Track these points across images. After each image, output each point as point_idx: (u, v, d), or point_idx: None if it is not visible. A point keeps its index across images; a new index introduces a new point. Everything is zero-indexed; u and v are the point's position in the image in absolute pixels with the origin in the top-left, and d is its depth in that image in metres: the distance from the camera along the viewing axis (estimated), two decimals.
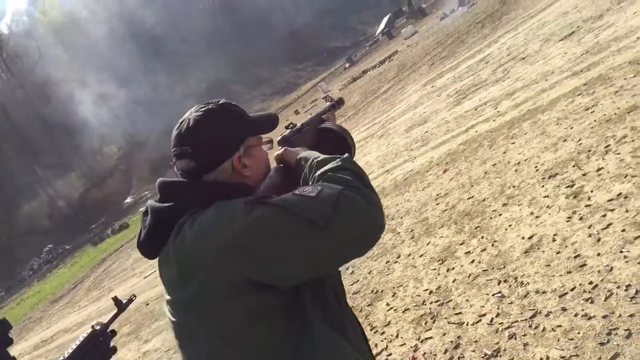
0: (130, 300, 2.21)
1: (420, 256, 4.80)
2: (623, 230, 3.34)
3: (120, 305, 2.16)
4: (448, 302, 3.87)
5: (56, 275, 35.19)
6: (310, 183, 1.43)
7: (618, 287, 2.94)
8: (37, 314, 21.31)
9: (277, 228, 1.23)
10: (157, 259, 1.43)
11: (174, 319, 1.38)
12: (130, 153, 62.47)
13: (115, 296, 2.16)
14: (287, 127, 1.82)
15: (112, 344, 2.02)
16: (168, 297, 1.38)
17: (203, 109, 1.46)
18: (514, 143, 5.86)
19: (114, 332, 2.05)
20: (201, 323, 1.30)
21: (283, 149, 1.67)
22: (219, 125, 1.44)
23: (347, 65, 42.99)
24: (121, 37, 62.81)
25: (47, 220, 56.21)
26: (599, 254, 3.28)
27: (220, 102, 1.49)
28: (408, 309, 4.13)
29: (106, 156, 65.22)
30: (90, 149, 63.65)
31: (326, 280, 1.40)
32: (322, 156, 1.48)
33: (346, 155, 1.46)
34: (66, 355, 1.84)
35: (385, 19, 48.70)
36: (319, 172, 1.41)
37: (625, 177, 3.89)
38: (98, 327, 2.01)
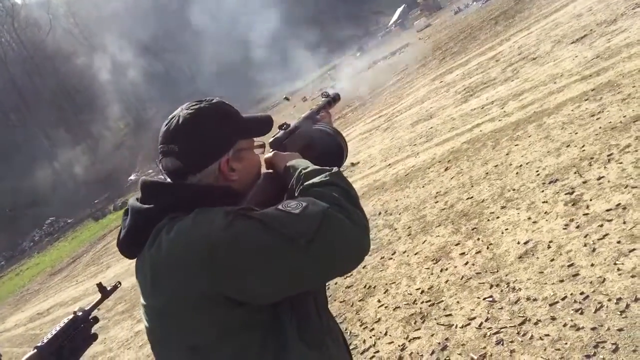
0: (114, 287, 2.20)
1: (416, 254, 4.79)
2: (619, 242, 3.31)
3: (105, 292, 2.15)
4: (439, 302, 3.86)
5: (56, 248, 35.38)
6: (296, 194, 1.38)
7: (609, 300, 2.92)
8: (35, 286, 21.46)
9: (256, 244, 1.19)
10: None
11: (146, 324, 1.35)
12: (137, 130, 62.44)
13: (100, 282, 2.15)
14: (280, 127, 1.74)
15: (93, 331, 2.01)
16: (142, 302, 1.35)
17: (195, 107, 1.40)
18: (517, 145, 5.81)
19: (96, 319, 2.04)
20: (171, 332, 1.28)
21: (273, 152, 1.61)
22: (210, 125, 1.38)
23: (358, 54, 42.76)
24: (132, 13, 62.58)
25: (51, 192, 56.38)
26: (592, 265, 3.26)
27: (213, 101, 1.44)
28: (399, 307, 4.12)
29: (113, 132, 65.21)
30: (97, 124, 63.71)
31: (307, 293, 1.36)
32: (311, 167, 1.43)
33: (335, 169, 1.41)
34: (45, 341, 1.82)
35: (399, 10, 48.31)
36: (305, 184, 1.37)
37: (625, 187, 3.85)
38: (80, 313, 1.99)
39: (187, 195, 1.34)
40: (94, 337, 2.02)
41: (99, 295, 2.16)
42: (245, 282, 1.19)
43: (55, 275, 21.58)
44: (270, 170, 1.57)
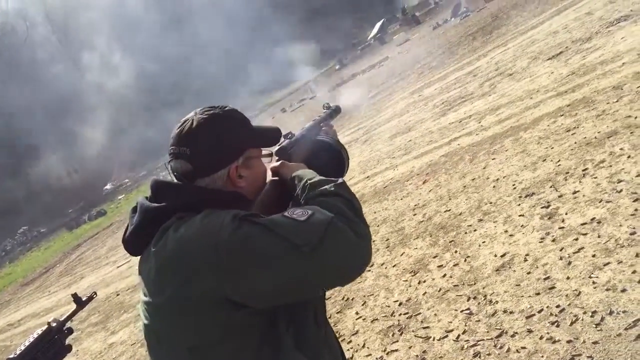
0: (90, 298, 2.17)
1: (394, 266, 4.79)
2: (594, 256, 3.36)
3: (80, 303, 2.12)
4: (417, 315, 3.86)
5: (29, 258, 34.70)
6: (302, 204, 1.41)
7: (584, 313, 2.95)
8: (5, 297, 20.99)
9: (261, 249, 1.21)
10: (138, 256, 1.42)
11: (145, 322, 1.36)
12: (113, 140, 61.87)
13: (75, 293, 2.11)
14: (285, 137, 1.77)
15: (67, 342, 1.97)
16: (143, 299, 1.36)
17: (209, 112, 1.43)
18: (494, 159, 5.87)
19: (70, 330, 2.00)
20: (170, 331, 1.29)
21: (280, 162, 1.64)
22: (222, 131, 1.41)
23: (337, 67, 42.98)
24: (111, 21, 62.25)
25: (24, 202, 55.45)
26: (568, 278, 3.30)
27: (226, 108, 1.47)
28: (377, 319, 4.11)
29: (88, 141, 64.48)
30: (72, 132, 62.95)
31: (307, 302, 1.38)
32: (316, 178, 1.46)
33: (340, 180, 1.43)
34: (17, 353, 1.78)
35: (378, 24, 48.73)
36: (311, 194, 1.39)
37: (600, 202, 3.91)
38: (54, 324, 1.96)
39: (196, 196, 1.37)
40: (68, 348, 1.98)
41: (73, 306, 2.13)
42: (248, 285, 1.21)
43: (27, 285, 21.14)
44: (276, 179, 1.60)
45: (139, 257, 1.42)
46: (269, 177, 1.61)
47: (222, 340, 1.24)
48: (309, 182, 1.44)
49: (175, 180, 1.43)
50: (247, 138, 1.47)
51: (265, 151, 1.56)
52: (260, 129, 1.53)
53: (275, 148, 1.73)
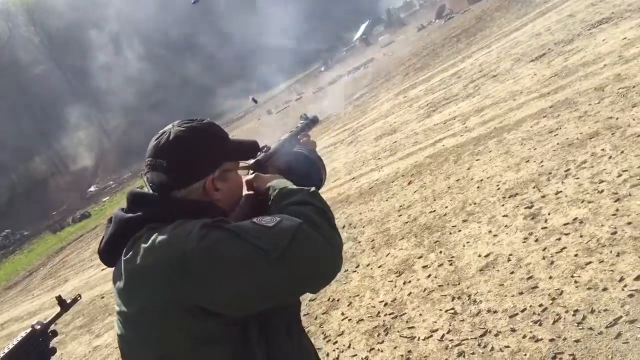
0: (74, 300, 2.15)
1: (379, 267, 4.82)
2: (576, 255, 3.40)
3: (64, 305, 2.10)
4: (402, 315, 3.88)
5: (12, 261, 34.30)
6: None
7: (566, 312, 2.99)
8: None
9: (229, 254, 1.22)
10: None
11: (118, 332, 1.36)
12: (97, 142, 61.41)
13: (59, 295, 2.10)
14: (261, 150, 1.77)
15: (51, 345, 1.96)
16: (117, 309, 1.36)
17: (186, 125, 1.44)
18: (478, 160, 5.92)
19: (54, 333, 1.99)
20: (142, 340, 1.29)
21: (254, 174, 1.64)
22: (199, 144, 1.42)
23: (322, 68, 43.03)
24: (94, 21, 61.67)
25: (7, 204, 54.83)
26: (551, 277, 3.34)
27: (204, 122, 1.48)
28: (362, 319, 4.13)
29: (72, 143, 63.88)
30: (56, 134, 62.35)
31: (278, 312, 1.38)
32: (290, 187, 1.47)
33: (312, 189, 1.46)
34: (1, 356, 1.77)
35: (363, 26, 48.90)
36: (282, 203, 1.41)
37: (582, 202, 3.96)
38: (38, 327, 1.94)
39: (170, 207, 1.37)
40: (53, 351, 1.96)
41: (57, 309, 2.11)
42: (216, 291, 1.21)
43: (10, 289, 20.90)
44: (252, 192, 1.60)
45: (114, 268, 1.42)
46: (245, 190, 1.62)
47: (192, 349, 1.24)
48: (281, 191, 1.46)
49: (151, 192, 1.44)
50: (224, 151, 1.47)
51: (242, 164, 1.58)
52: (236, 142, 1.53)
53: (252, 161, 1.75)
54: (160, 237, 1.26)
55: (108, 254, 1.40)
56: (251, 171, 1.70)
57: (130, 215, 1.37)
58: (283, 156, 1.79)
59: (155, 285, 1.22)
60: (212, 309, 1.22)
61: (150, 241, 1.27)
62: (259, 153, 1.77)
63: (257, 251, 1.21)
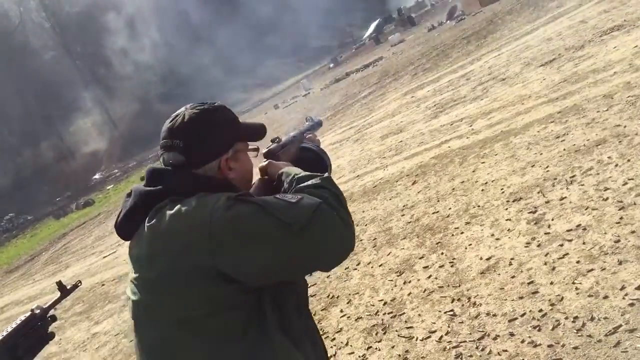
0: (75, 286, 2.15)
1: (380, 266, 4.81)
2: (578, 262, 3.39)
3: (64, 291, 2.10)
4: (401, 314, 3.88)
5: (14, 245, 34.45)
6: None
7: (566, 318, 2.98)
8: None
9: (253, 226, 1.28)
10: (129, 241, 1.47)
11: (134, 298, 1.39)
12: (104, 130, 61.48)
13: (60, 281, 2.10)
14: (272, 141, 1.90)
15: (50, 329, 1.96)
16: (134, 276, 1.40)
17: (199, 108, 1.51)
18: (484, 163, 5.91)
19: (53, 318, 1.98)
20: (160, 304, 1.34)
21: (268, 161, 1.74)
22: (214, 125, 1.49)
23: (331, 65, 42.96)
24: (103, 10, 61.67)
25: (12, 187, 54.97)
26: (551, 283, 3.33)
27: (215, 104, 1.55)
28: (361, 317, 4.13)
29: (79, 130, 63.97)
30: (63, 121, 62.45)
31: (289, 289, 1.45)
32: (304, 173, 1.54)
33: (326, 174, 1.53)
34: None
35: (374, 24, 48.75)
36: (298, 187, 1.47)
37: (586, 209, 3.95)
38: (37, 311, 1.94)
39: (192, 181, 1.43)
40: (51, 336, 1.96)
41: (57, 294, 2.11)
42: (239, 259, 1.27)
43: (11, 272, 20.99)
44: (265, 177, 1.71)
45: (128, 243, 1.47)
46: (257, 175, 1.70)
47: (212, 313, 1.29)
48: (296, 176, 1.53)
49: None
50: (236, 132, 1.55)
51: (251, 145, 1.63)
52: (247, 124, 1.61)
53: (264, 150, 1.83)
54: (185, 206, 1.32)
55: (126, 226, 1.46)
56: (265, 159, 1.79)
57: (150, 188, 1.43)
58: (293, 148, 1.92)
59: (179, 251, 1.28)
60: (235, 276, 1.28)
61: (175, 209, 1.33)
62: (270, 144, 1.88)
63: (280, 224, 1.28)
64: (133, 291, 1.40)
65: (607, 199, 3.94)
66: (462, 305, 3.60)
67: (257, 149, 1.68)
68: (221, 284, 1.28)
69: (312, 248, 1.31)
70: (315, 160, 1.92)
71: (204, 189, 1.39)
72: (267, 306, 1.36)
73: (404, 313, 3.88)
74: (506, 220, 4.41)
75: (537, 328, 3.03)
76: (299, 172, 1.56)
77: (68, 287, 2.12)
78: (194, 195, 1.37)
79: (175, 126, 1.47)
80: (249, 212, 1.29)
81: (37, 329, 1.92)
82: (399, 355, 3.45)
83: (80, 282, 2.19)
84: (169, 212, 1.33)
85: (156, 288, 1.34)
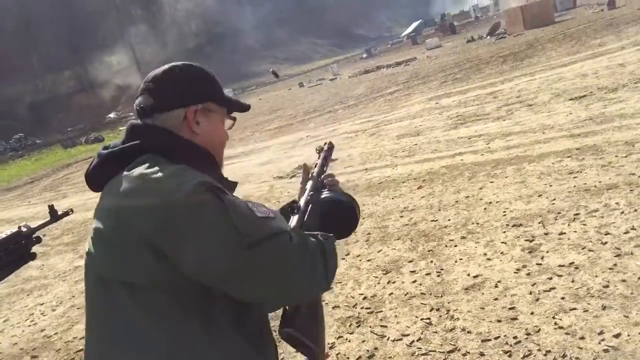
0: (66, 213, 2.16)
1: (368, 261, 4.82)
2: (562, 298, 3.38)
3: (54, 215, 2.11)
4: (378, 312, 3.89)
5: (18, 164, 34.71)
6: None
7: (539, 350, 2.97)
8: None
9: (207, 220, 1.20)
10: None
11: (91, 248, 1.35)
12: (129, 72, 61.56)
13: (52, 205, 2.11)
14: (291, 211, 1.64)
15: (33, 250, 1.97)
16: (94, 226, 1.36)
17: (184, 62, 1.52)
18: (492, 182, 5.88)
19: (38, 239, 2.00)
20: (106, 260, 1.30)
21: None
22: (190, 76, 1.49)
23: (364, 55, 42.77)
24: None
25: (26, 108, 55.20)
26: (532, 313, 3.32)
27: (200, 65, 1.55)
28: (339, 306, 4.14)
29: (104, 66, 64.05)
30: (90, 54, 62.53)
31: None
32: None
33: (331, 235, 1.44)
34: None
35: (414, 24, 48.51)
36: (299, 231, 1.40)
37: (582, 248, 3.93)
38: (24, 229, 1.96)
39: (167, 138, 1.40)
40: (33, 256, 1.98)
41: (47, 217, 2.13)
42: (182, 248, 1.20)
43: (9, 191, 21.17)
44: None
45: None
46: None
47: (152, 287, 1.23)
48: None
49: (137, 117, 1.48)
50: (212, 91, 1.51)
51: (229, 116, 1.60)
52: (227, 95, 1.57)
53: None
54: (161, 173, 1.26)
55: (98, 177, 1.44)
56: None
57: (129, 143, 1.40)
58: (315, 211, 1.67)
59: (133, 217, 1.23)
60: (172, 260, 1.21)
61: (150, 169, 1.28)
62: (290, 213, 1.64)
63: (233, 230, 1.19)
64: (90, 243, 1.35)
65: (605, 243, 3.92)
66: (440, 316, 3.60)
67: (234, 118, 1.62)
68: (158, 258, 1.20)
69: (251, 269, 1.22)
70: (341, 212, 1.70)
71: (184, 157, 1.35)
72: (219, 307, 1.28)
73: (381, 311, 3.89)
74: (502, 242, 4.40)
75: (508, 354, 3.03)
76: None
77: (59, 213, 2.13)
78: (171, 158, 1.33)
79: (155, 73, 1.48)
80: (212, 205, 1.21)
81: (20, 246, 1.93)
82: (367, 350, 3.46)
83: (72, 210, 2.20)
84: (144, 170, 1.28)
85: (107, 245, 1.29)
